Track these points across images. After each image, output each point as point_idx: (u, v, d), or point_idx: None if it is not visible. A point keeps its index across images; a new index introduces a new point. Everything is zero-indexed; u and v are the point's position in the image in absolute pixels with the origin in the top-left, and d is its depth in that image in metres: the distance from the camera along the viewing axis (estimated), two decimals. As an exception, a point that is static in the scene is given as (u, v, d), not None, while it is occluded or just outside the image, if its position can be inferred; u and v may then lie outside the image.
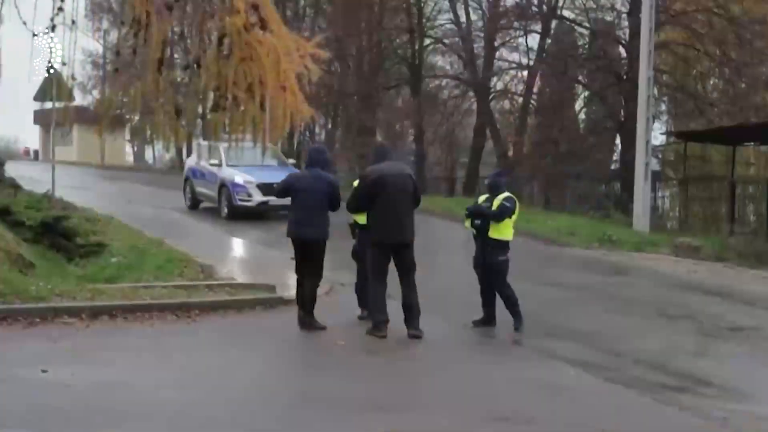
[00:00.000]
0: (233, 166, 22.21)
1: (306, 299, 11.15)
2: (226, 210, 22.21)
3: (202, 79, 6.07)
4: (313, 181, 11.16)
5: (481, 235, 11.52)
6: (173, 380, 8.57)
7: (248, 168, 22.10)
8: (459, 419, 7.70)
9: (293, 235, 11.20)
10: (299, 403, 7.98)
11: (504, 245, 11.50)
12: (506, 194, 11.55)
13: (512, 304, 11.46)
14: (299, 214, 11.15)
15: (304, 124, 21.99)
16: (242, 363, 9.60)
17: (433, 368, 9.59)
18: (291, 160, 24.60)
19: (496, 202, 11.46)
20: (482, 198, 11.81)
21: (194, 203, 24.41)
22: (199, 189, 24.02)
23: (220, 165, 22.58)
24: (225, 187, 22.18)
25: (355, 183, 11.73)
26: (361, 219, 11.44)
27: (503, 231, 11.47)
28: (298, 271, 11.29)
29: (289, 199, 11.41)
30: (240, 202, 21.99)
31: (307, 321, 11.11)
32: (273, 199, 19.44)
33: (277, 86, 5.57)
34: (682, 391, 9.12)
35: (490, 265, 11.44)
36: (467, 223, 11.77)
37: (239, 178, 21.99)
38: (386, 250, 10.93)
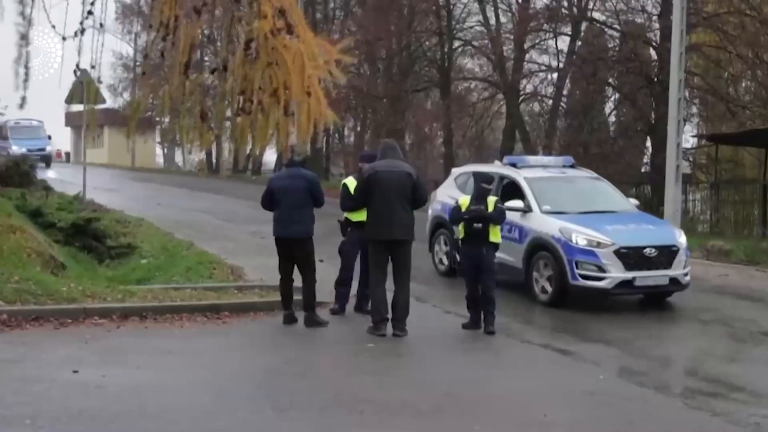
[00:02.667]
0: (555, 214, 13.55)
1: (307, 295, 11.29)
2: (549, 290, 13.16)
3: (229, 82, 6.09)
4: (292, 179, 11.40)
5: (479, 238, 11.33)
6: (203, 382, 8.59)
7: (585, 218, 13.48)
8: (490, 424, 7.67)
9: (276, 234, 11.42)
10: (330, 407, 7.97)
11: (497, 247, 11.54)
12: (496, 197, 11.71)
13: (493, 307, 11.30)
14: (280, 213, 11.38)
15: (332, 127, 21.74)
16: (273, 365, 9.63)
17: (463, 372, 9.54)
18: (633, 200, 15.70)
19: (491, 205, 11.38)
20: (465, 201, 11.55)
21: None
22: None
23: (526, 210, 13.67)
24: (547, 252, 13.18)
25: (346, 180, 12.10)
26: (353, 216, 11.69)
27: (498, 233, 11.51)
28: (280, 270, 11.48)
29: None
30: (582, 281, 12.87)
31: (309, 316, 11.24)
32: (641, 276, 12.83)
33: (302, 91, 5.58)
34: (714, 397, 9.02)
35: (488, 268, 11.31)
36: (461, 230, 11.50)
37: (580, 237, 12.93)
38: (380, 247, 10.96)
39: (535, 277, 13.26)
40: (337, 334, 11.13)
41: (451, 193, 15.17)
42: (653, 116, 31.02)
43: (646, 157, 34.65)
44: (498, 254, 12.43)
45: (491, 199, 11.50)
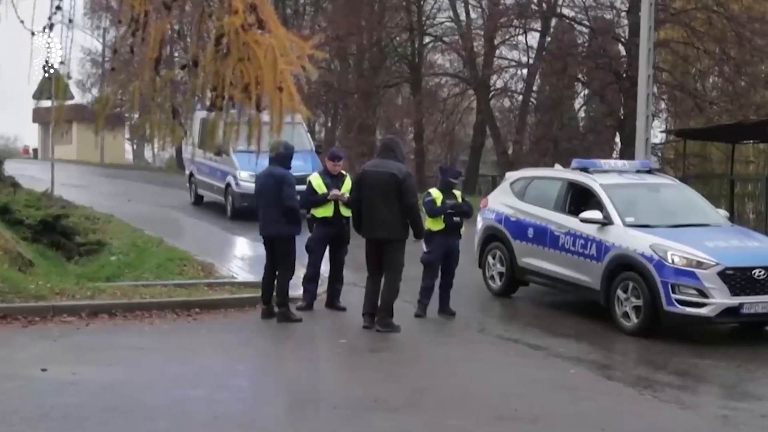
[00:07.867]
0: (641, 227, 11.73)
1: (278, 293, 11.29)
2: (635, 317, 11.24)
3: (200, 78, 6.05)
4: (265, 178, 11.47)
5: (454, 231, 11.92)
6: (175, 379, 8.56)
7: (677, 233, 11.58)
8: (464, 419, 7.69)
9: (259, 232, 11.61)
10: (304, 403, 7.97)
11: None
12: (458, 191, 12.28)
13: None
14: (259, 212, 11.52)
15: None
16: (244, 362, 9.60)
17: (436, 367, 9.57)
18: (722, 211, 13.50)
19: (459, 198, 12.06)
20: (439, 195, 11.89)
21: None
22: None
23: (606, 222, 11.82)
24: (634, 273, 11.25)
25: (310, 177, 12.21)
26: (317, 213, 11.82)
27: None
28: (266, 266, 11.57)
29: None
30: (679, 307, 10.88)
31: (282, 313, 11.21)
32: (749, 302, 10.82)
33: (274, 87, 5.56)
34: (683, 390, 9.12)
35: (456, 258, 11.98)
36: (438, 222, 11.82)
37: (676, 255, 11.03)
38: (369, 244, 11.13)
39: (618, 302, 11.36)
40: (309, 330, 11.12)
41: (507, 201, 13.50)
42: (622, 112, 31.23)
43: (615, 152, 34.87)
44: (568, 272, 12.21)
45: (458, 193, 12.13)
